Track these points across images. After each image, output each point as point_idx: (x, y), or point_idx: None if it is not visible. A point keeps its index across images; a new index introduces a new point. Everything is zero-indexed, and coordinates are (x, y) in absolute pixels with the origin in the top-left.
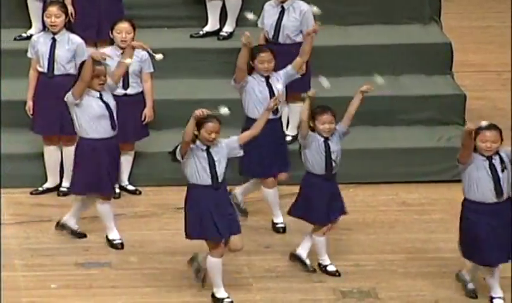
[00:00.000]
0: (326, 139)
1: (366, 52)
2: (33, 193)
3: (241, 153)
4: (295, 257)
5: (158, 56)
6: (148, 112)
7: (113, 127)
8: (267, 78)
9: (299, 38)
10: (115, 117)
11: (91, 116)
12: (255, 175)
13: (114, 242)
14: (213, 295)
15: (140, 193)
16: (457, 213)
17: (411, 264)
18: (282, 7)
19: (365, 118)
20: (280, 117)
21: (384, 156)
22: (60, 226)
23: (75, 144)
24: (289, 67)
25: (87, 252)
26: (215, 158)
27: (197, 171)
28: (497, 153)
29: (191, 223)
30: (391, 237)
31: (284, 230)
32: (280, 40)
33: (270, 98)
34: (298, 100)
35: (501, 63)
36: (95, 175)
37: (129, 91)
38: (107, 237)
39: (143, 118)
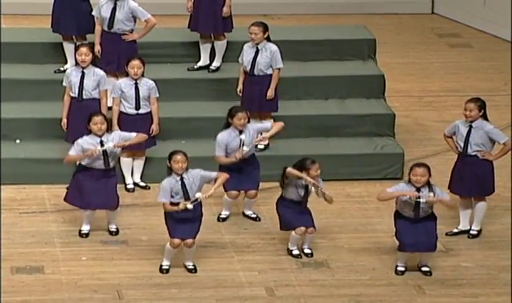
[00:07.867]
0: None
1: (320, 81)
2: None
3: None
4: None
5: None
6: (155, 127)
7: (106, 165)
8: (240, 132)
9: (269, 71)
10: (109, 161)
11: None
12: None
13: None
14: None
15: (149, 188)
16: (389, 203)
17: (354, 241)
18: (257, 48)
19: (320, 131)
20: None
21: (334, 160)
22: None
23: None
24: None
25: (109, 233)
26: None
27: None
28: (430, 185)
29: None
30: (339, 221)
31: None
32: (255, 72)
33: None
34: (268, 117)
35: (421, 90)
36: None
37: (141, 111)
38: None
39: (151, 132)
